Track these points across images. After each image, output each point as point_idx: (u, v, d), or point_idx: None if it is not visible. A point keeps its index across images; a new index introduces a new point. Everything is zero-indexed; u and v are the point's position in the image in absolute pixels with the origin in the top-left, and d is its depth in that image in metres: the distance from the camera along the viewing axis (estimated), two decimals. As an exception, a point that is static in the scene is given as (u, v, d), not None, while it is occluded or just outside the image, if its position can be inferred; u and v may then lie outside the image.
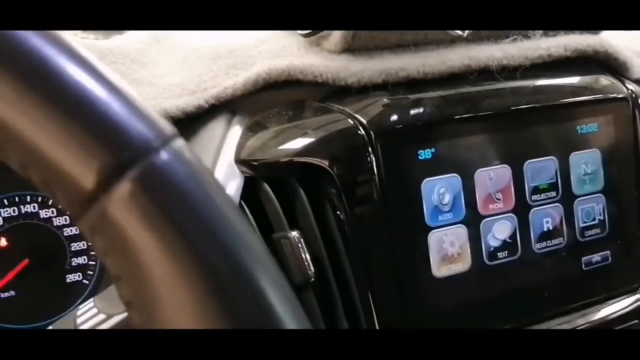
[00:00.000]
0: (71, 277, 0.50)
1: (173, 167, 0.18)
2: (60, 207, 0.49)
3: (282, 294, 0.19)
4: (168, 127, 0.19)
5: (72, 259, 0.50)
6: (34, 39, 0.18)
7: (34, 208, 0.49)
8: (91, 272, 0.50)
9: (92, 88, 0.18)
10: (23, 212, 0.48)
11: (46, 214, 0.49)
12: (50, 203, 0.49)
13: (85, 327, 0.30)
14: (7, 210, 0.48)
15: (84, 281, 0.50)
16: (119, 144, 0.18)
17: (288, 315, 0.19)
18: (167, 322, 0.18)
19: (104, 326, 0.30)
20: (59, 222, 0.49)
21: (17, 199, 0.48)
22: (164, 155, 0.18)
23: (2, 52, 0.18)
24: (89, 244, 0.50)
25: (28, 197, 0.48)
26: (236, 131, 0.46)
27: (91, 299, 0.32)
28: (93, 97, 0.18)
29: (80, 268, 0.50)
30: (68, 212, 0.19)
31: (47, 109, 0.18)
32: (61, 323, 0.32)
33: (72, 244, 0.50)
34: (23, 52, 0.18)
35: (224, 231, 0.18)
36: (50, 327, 0.33)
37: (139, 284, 0.18)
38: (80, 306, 0.31)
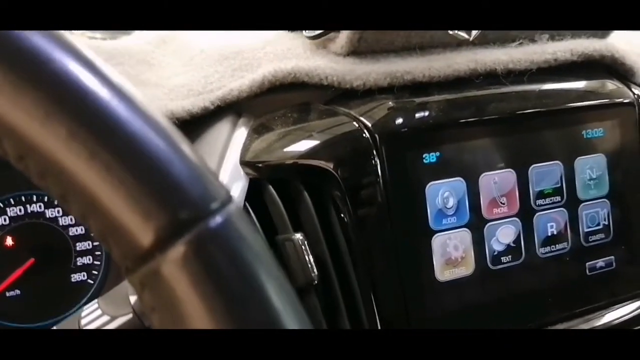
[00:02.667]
0: (76, 277, 0.50)
1: (226, 232, 0.19)
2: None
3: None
4: (224, 190, 0.20)
5: (77, 259, 0.50)
6: (104, 91, 0.19)
7: (40, 208, 0.49)
8: (96, 272, 0.50)
9: (156, 146, 0.19)
10: (29, 211, 0.49)
11: (52, 214, 0.49)
12: (56, 203, 0.49)
13: (89, 328, 0.31)
14: (13, 210, 0.48)
15: (89, 281, 0.50)
16: (179, 205, 0.18)
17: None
18: None
19: (108, 327, 0.30)
20: (65, 222, 0.49)
21: (23, 198, 0.48)
22: (219, 219, 0.19)
23: (73, 109, 0.18)
24: (95, 244, 0.50)
25: (34, 197, 0.49)
26: (241, 133, 0.46)
27: (95, 300, 0.32)
28: (157, 155, 0.19)
29: (85, 268, 0.50)
30: (120, 264, 0.19)
31: (114, 164, 0.18)
32: (65, 324, 0.33)
33: (77, 244, 0.50)
34: (93, 110, 0.18)
35: (268, 301, 0.19)
36: (55, 327, 0.33)
37: None
38: (85, 307, 0.32)
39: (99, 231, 0.19)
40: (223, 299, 0.18)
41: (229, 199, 0.20)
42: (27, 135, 0.18)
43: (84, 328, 0.31)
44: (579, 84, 0.52)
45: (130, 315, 0.30)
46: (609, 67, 0.54)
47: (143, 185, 0.18)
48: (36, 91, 0.18)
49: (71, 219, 0.50)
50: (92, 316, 0.31)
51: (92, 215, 0.19)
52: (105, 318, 0.30)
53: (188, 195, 0.19)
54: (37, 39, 0.18)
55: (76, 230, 0.50)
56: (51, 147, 0.18)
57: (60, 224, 0.49)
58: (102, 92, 0.18)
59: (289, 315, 0.19)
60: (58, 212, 0.49)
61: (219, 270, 0.18)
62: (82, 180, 0.18)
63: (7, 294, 0.48)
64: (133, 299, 0.29)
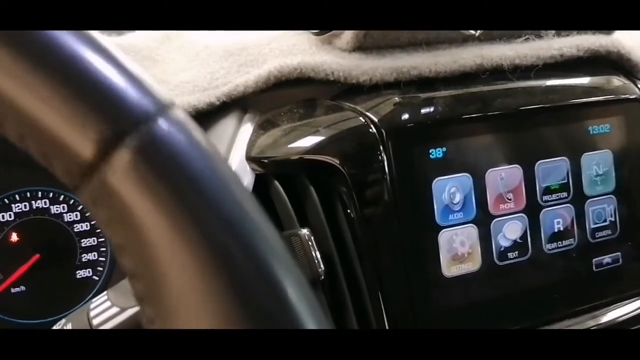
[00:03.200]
0: (81, 273, 0.50)
1: (172, 135, 0.18)
2: (77, 206, 0.49)
3: (276, 252, 0.19)
4: (166, 97, 0.19)
5: (83, 255, 0.50)
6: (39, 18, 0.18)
7: (45, 204, 0.49)
8: (101, 268, 0.50)
9: (88, 56, 0.18)
10: (34, 207, 0.49)
11: (57, 210, 0.49)
12: (61, 199, 0.49)
13: (98, 320, 0.30)
14: (18, 206, 0.48)
15: (94, 277, 0.50)
16: (116, 112, 0.18)
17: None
18: (172, 291, 0.18)
19: (118, 319, 0.30)
20: (70, 218, 0.49)
21: (28, 194, 0.48)
22: (163, 123, 0.18)
23: (7, 34, 0.18)
24: (100, 240, 0.50)
25: (39, 193, 0.49)
26: (247, 129, 0.46)
27: (105, 292, 0.32)
28: (89, 66, 0.18)
29: (90, 264, 0.50)
30: (67, 183, 0.18)
31: (44, 78, 0.17)
32: (74, 316, 0.33)
33: (82, 240, 0.50)
34: (29, 31, 0.18)
35: (224, 199, 0.18)
36: (63, 320, 0.33)
37: (142, 254, 0.18)
38: (94, 299, 0.32)
39: (39, 151, 0.18)
40: (176, 200, 0.18)
41: (171, 104, 0.19)
42: None
43: (93, 320, 0.30)
44: (585, 80, 0.52)
45: (139, 307, 0.29)
46: (615, 63, 0.54)
47: (77, 95, 0.17)
48: None
49: (76, 215, 0.50)
50: (102, 307, 0.31)
51: (29, 135, 0.18)
52: (115, 309, 0.30)
53: (125, 102, 0.18)
54: None
55: (81, 227, 0.50)
56: None
57: (65, 220, 0.49)
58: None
59: (242, 209, 0.18)
60: (63, 208, 0.49)
61: (167, 171, 0.18)
62: (15, 98, 0.17)
63: (12, 290, 0.48)
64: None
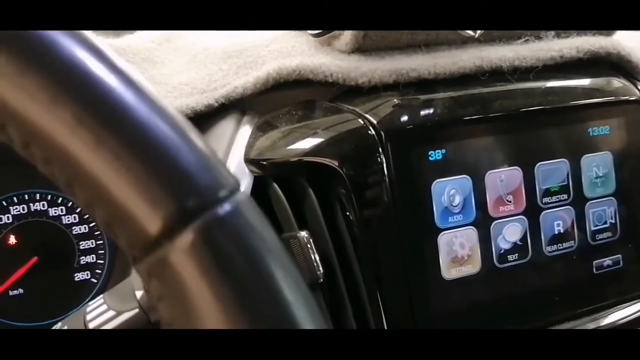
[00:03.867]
0: (80, 276, 0.50)
1: (235, 220, 0.19)
2: (75, 208, 0.49)
3: None
4: (233, 179, 0.20)
5: (81, 258, 0.50)
6: (111, 76, 0.18)
7: (43, 206, 0.49)
8: (99, 271, 0.50)
9: (164, 133, 0.18)
10: (32, 209, 0.48)
11: (55, 212, 0.49)
12: (59, 201, 0.49)
13: (95, 323, 0.30)
14: (16, 208, 0.48)
15: (92, 280, 0.50)
16: (187, 193, 0.18)
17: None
18: None
19: (114, 322, 0.30)
20: (68, 220, 0.49)
21: (26, 196, 0.48)
22: (227, 206, 0.19)
23: (79, 94, 0.18)
24: (98, 242, 0.50)
25: (37, 195, 0.49)
26: (246, 130, 0.46)
27: (101, 296, 0.32)
28: (165, 142, 0.18)
29: (88, 266, 0.50)
30: (128, 253, 0.19)
31: (121, 152, 0.18)
32: (71, 319, 0.32)
33: (80, 243, 0.50)
34: (100, 95, 0.18)
35: (277, 287, 0.19)
36: (59, 324, 0.33)
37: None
38: (90, 303, 0.31)
39: (105, 220, 0.19)
40: (231, 287, 0.18)
41: (237, 187, 0.19)
42: (32, 120, 0.18)
43: (90, 323, 0.30)
44: (585, 82, 0.51)
45: (136, 310, 0.29)
46: (615, 65, 0.54)
47: (150, 172, 0.18)
48: (41, 75, 0.17)
49: (74, 218, 0.49)
50: (98, 311, 0.30)
51: (98, 203, 0.18)
52: (111, 313, 0.30)
53: (196, 183, 0.18)
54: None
55: (79, 229, 0.49)
56: (57, 133, 0.18)
57: (64, 222, 0.49)
58: (109, 77, 0.18)
59: (299, 305, 0.19)
60: (61, 210, 0.49)
61: (227, 258, 0.18)
62: (88, 167, 0.18)
63: (10, 293, 0.48)
64: (139, 294, 0.29)
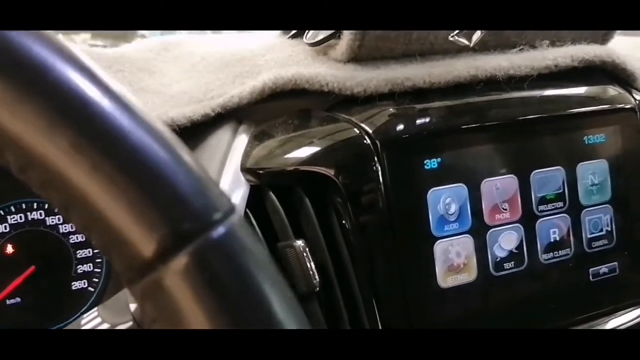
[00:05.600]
0: (77, 285, 0.50)
1: (228, 243, 0.19)
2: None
3: None
4: (226, 200, 0.20)
5: (78, 267, 0.50)
6: (106, 101, 0.18)
7: (41, 215, 0.49)
8: (97, 280, 0.50)
9: (159, 157, 0.19)
10: (29, 219, 0.48)
11: (52, 221, 0.49)
12: (56, 210, 0.49)
13: (89, 335, 0.30)
14: (13, 217, 0.48)
15: (90, 289, 0.50)
16: (182, 216, 0.18)
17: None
18: None
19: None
20: (65, 229, 0.49)
21: (23, 205, 0.48)
22: (221, 229, 0.19)
23: (75, 120, 0.18)
24: (95, 251, 0.50)
25: (34, 204, 0.49)
26: (242, 140, 0.46)
27: (95, 308, 0.32)
28: (159, 166, 0.19)
29: (85, 275, 0.50)
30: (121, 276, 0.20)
31: (116, 177, 0.18)
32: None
33: (77, 251, 0.50)
34: (95, 121, 0.18)
35: (270, 310, 0.19)
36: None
37: None
38: (85, 315, 0.31)
39: (101, 242, 0.19)
40: (225, 310, 0.18)
41: (231, 209, 0.20)
42: (29, 146, 0.18)
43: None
44: (580, 90, 0.52)
45: (130, 324, 0.29)
46: (610, 73, 0.54)
47: (145, 197, 0.18)
48: (37, 102, 0.18)
49: (72, 227, 0.49)
50: (92, 324, 0.30)
51: (94, 226, 0.18)
52: (105, 326, 0.30)
53: (190, 207, 0.19)
54: (38, 48, 0.18)
55: (77, 238, 0.50)
56: (53, 158, 0.18)
57: (61, 231, 0.49)
58: (104, 102, 0.18)
59: (292, 326, 0.19)
60: (59, 219, 0.49)
61: (222, 281, 0.18)
62: (84, 191, 0.18)
63: (8, 302, 0.48)
64: (133, 307, 0.29)
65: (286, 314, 0.19)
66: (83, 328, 0.30)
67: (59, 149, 0.18)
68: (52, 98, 0.18)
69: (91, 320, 0.30)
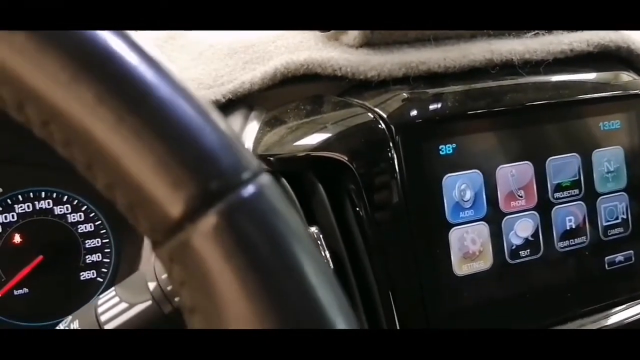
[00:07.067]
0: (85, 275, 0.49)
1: (258, 203, 0.18)
2: (81, 207, 0.49)
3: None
4: (256, 161, 0.19)
5: (87, 256, 0.49)
6: (132, 55, 0.18)
7: (49, 204, 0.48)
8: (105, 270, 0.49)
9: (187, 113, 0.18)
10: (37, 208, 0.48)
11: (60, 211, 0.48)
12: (64, 200, 0.49)
13: (106, 316, 0.30)
14: (21, 207, 0.47)
15: (98, 279, 0.49)
16: (210, 174, 0.18)
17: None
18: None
19: (126, 315, 0.29)
20: (74, 219, 0.49)
21: (31, 194, 0.48)
22: (251, 189, 0.18)
23: (100, 72, 0.17)
24: (104, 241, 0.49)
25: (42, 193, 0.48)
26: (253, 126, 0.45)
27: (112, 288, 0.31)
28: (188, 122, 0.18)
29: (94, 265, 0.49)
30: (149, 238, 0.19)
31: (143, 132, 0.17)
32: (81, 312, 0.32)
33: (86, 241, 0.49)
34: (121, 74, 0.18)
35: (302, 273, 0.18)
36: (70, 317, 0.32)
37: (213, 319, 0.18)
38: (101, 295, 0.31)
39: (126, 203, 0.18)
40: (255, 271, 0.17)
41: (260, 170, 0.19)
42: (51, 100, 0.17)
43: (101, 316, 0.30)
44: (595, 75, 0.51)
45: (149, 303, 0.29)
46: (625, 59, 0.53)
47: (173, 154, 0.17)
48: (61, 53, 0.17)
49: (80, 216, 0.49)
50: (110, 304, 0.30)
51: (119, 185, 0.18)
52: (124, 305, 0.29)
53: (219, 164, 0.18)
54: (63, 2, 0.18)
55: (85, 228, 0.49)
56: (77, 112, 0.17)
57: (69, 221, 0.49)
58: (130, 56, 0.18)
59: (324, 290, 0.18)
60: (67, 209, 0.49)
61: (252, 242, 0.18)
62: (109, 147, 0.17)
63: (15, 292, 0.47)
64: (152, 285, 0.29)
65: (318, 280, 0.18)
66: (100, 310, 0.30)
67: (83, 102, 0.17)
68: (76, 50, 0.17)
69: (109, 299, 0.30)
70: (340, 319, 0.18)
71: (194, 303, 0.18)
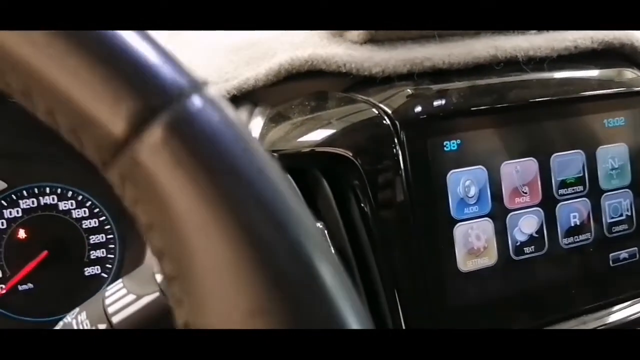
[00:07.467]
0: (90, 270, 0.49)
1: (205, 113, 0.18)
2: (85, 202, 0.49)
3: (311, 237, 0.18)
4: (199, 75, 0.19)
5: (91, 252, 0.49)
6: None
7: (53, 200, 0.48)
8: (110, 265, 0.49)
9: (122, 33, 0.18)
10: (42, 203, 0.48)
11: (65, 206, 0.48)
12: (69, 195, 0.49)
13: (114, 307, 0.30)
14: (26, 202, 0.48)
15: (103, 274, 0.49)
16: (149, 88, 0.17)
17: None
18: (201, 272, 0.17)
19: (134, 307, 0.29)
20: (78, 215, 0.49)
21: (36, 190, 0.48)
22: (195, 100, 0.18)
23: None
24: (109, 236, 0.49)
25: (47, 189, 0.48)
26: (258, 122, 0.46)
27: (120, 280, 0.31)
28: (122, 41, 0.18)
29: (99, 261, 0.49)
30: (96, 160, 0.18)
31: (77, 52, 0.17)
32: (89, 304, 0.32)
33: (91, 237, 0.49)
34: None
35: (256, 176, 0.18)
36: (77, 309, 0.32)
37: (172, 233, 0.17)
38: (109, 287, 0.31)
39: (68, 126, 0.18)
40: (206, 177, 0.17)
41: (204, 83, 0.19)
42: None
43: (108, 308, 0.30)
44: (600, 72, 0.51)
45: (156, 294, 0.29)
46: (628, 56, 0.53)
47: (109, 69, 0.17)
48: None
49: (84, 212, 0.49)
50: (117, 295, 0.30)
51: (59, 109, 0.17)
52: (131, 297, 0.29)
53: (158, 78, 0.17)
54: None
55: (90, 223, 0.49)
56: (7, 37, 0.17)
57: (74, 216, 0.49)
58: None
59: (274, 186, 0.18)
60: (71, 204, 0.49)
61: (200, 151, 0.17)
62: (43, 70, 0.17)
63: (20, 288, 0.47)
64: (159, 277, 0.29)
65: (271, 177, 0.18)
66: (108, 301, 0.30)
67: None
68: None
69: (116, 291, 0.30)
70: (286, 200, 0.18)
71: (150, 220, 0.18)
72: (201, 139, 0.17)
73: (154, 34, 0.19)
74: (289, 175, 0.19)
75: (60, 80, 0.17)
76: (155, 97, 0.17)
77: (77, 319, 0.30)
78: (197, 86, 0.18)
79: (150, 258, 0.30)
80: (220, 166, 0.17)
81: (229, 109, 0.19)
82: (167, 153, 0.17)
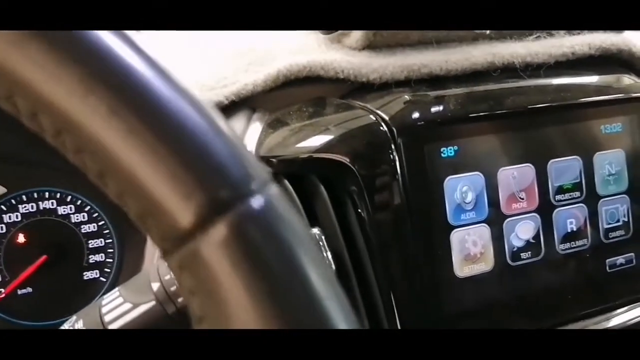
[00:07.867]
0: (88, 275, 0.49)
1: (267, 214, 0.18)
2: (84, 207, 0.49)
3: None
4: (265, 170, 0.20)
5: (90, 256, 0.49)
6: (145, 68, 0.18)
7: (52, 204, 0.48)
8: (108, 270, 0.50)
9: (197, 124, 0.18)
10: (41, 208, 0.48)
11: (64, 211, 0.49)
12: (68, 200, 0.49)
13: (110, 316, 0.30)
14: (25, 207, 0.48)
15: (102, 279, 0.50)
16: (220, 184, 0.18)
17: None
18: None
19: (130, 315, 0.29)
20: (77, 219, 0.49)
21: (35, 195, 0.48)
22: (260, 199, 0.18)
23: (114, 85, 0.18)
24: (107, 241, 0.50)
25: (46, 194, 0.48)
26: (256, 128, 0.46)
27: (116, 288, 0.31)
28: (198, 133, 0.18)
29: (97, 265, 0.49)
30: (158, 247, 0.19)
31: (153, 143, 0.18)
32: (85, 312, 0.32)
33: (89, 241, 0.49)
34: (134, 87, 0.18)
35: (308, 285, 0.18)
36: (74, 317, 0.32)
37: (222, 328, 0.18)
38: (105, 295, 0.31)
39: (137, 211, 0.18)
40: (264, 281, 0.18)
41: (269, 179, 0.19)
42: (66, 110, 0.17)
43: (105, 316, 0.30)
44: (597, 79, 0.51)
45: (152, 303, 0.29)
46: (626, 62, 0.53)
47: (183, 164, 0.18)
48: (75, 64, 0.17)
49: (83, 216, 0.49)
50: (114, 304, 0.30)
51: (130, 194, 0.18)
52: (127, 306, 0.30)
53: (229, 174, 0.18)
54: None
55: (88, 228, 0.49)
56: (90, 122, 0.17)
57: (73, 221, 0.49)
58: (143, 69, 0.18)
59: (331, 299, 0.18)
60: (70, 209, 0.49)
61: (260, 252, 0.18)
62: (121, 157, 0.18)
63: (19, 292, 0.47)
64: (155, 286, 0.29)
65: (326, 291, 0.19)
66: (104, 310, 0.30)
67: (96, 113, 0.17)
68: (90, 61, 0.17)
69: (113, 300, 0.30)
70: (341, 319, 0.19)
71: (203, 312, 0.18)
72: (259, 243, 0.18)
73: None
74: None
75: (136, 167, 0.18)
76: (224, 194, 0.18)
77: (74, 327, 0.31)
78: (263, 184, 0.19)
79: (147, 266, 0.31)
80: (275, 272, 0.18)
81: (287, 208, 0.19)
82: (228, 252, 0.18)
